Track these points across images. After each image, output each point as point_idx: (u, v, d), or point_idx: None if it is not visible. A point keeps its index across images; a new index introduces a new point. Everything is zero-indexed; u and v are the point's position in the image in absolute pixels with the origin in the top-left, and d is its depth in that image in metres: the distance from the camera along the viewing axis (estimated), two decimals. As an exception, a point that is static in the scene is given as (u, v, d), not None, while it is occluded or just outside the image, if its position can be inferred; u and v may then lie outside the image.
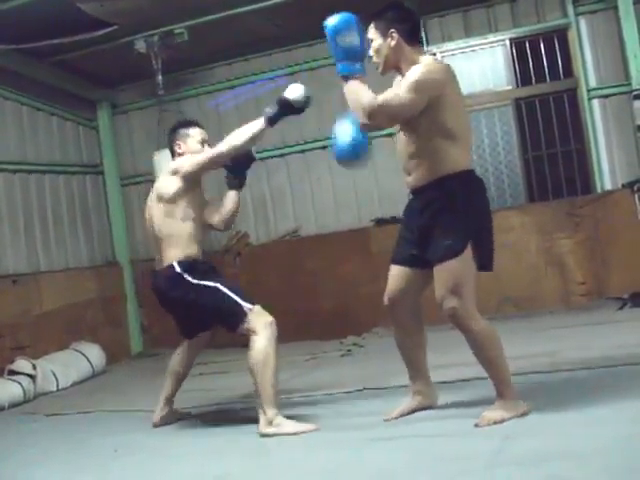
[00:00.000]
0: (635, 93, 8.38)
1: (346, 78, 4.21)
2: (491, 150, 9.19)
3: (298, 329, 9.11)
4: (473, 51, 9.24)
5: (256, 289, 9.50)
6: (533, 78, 9.01)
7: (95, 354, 8.49)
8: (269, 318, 4.91)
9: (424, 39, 9.13)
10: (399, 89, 4.16)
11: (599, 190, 8.72)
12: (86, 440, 5.27)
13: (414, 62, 4.26)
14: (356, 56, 4.16)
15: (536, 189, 9.04)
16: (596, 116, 8.77)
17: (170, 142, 5.34)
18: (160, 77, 9.20)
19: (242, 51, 9.75)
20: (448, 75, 4.27)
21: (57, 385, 7.70)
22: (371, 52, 4.39)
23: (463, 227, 4.21)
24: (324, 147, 9.55)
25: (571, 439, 3.63)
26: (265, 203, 9.95)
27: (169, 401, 5.45)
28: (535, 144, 9.04)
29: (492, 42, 9.13)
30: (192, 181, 5.13)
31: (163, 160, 8.99)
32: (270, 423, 4.62)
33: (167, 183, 5.12)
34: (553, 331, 7.03)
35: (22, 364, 7.56)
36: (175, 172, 5.10)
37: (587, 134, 8.76)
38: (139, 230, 10.30)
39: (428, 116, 4.20)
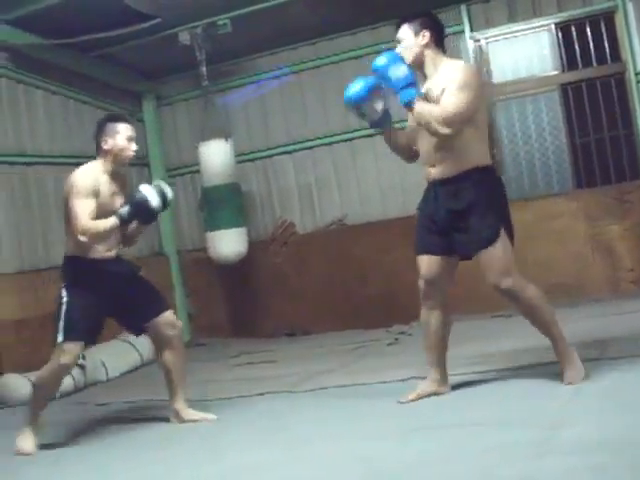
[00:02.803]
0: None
1: (410, 103, 4.54)
2: (537, 136, 9.11)
3: (344, 318, 9.13)
4: (517, 37, 9.15)
5: (302, 278, 9.58)
6: (580, 63, 8.91)
7: (143, 344, 8.54)
8: (63, 360, 4.95)
9: (468, 26, 9.09)
10: (456, 91, 4.47)
11: (648, 175, 8.63)
12: (136, 428, 5.35)
13: (440, 63, 4.70)
14: (411, 83, 4.51)
15: (584, 175, 8.94)
16: (644, 99, 8.66)
17: (96, 136, 5.23)
18: (204, 68, 9.23)
19: (286, 41, 9.73)
20: (479, 75, 4.80)
21: (107, 375, 7.77)
22: (399, 49, 4.74)
23: (495, 214, 4.59)
24: (370, 135, 9.51)
25: (616, 429, 3.59)
26: (311, 192, 9.95)
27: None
28: (582, 129, 8.94)
29: (537, 27, 9.03)
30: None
31: (209, 151, 9.05)
32: None
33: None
34: (602, 319, 6.96)
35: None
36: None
37: (635, 119, 8.65)
38: (185, 221, 10.37)
39: None
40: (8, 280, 7.90)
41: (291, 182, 9.99)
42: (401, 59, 4.58)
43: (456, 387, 5.08)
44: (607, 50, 8.83)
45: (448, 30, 9.11)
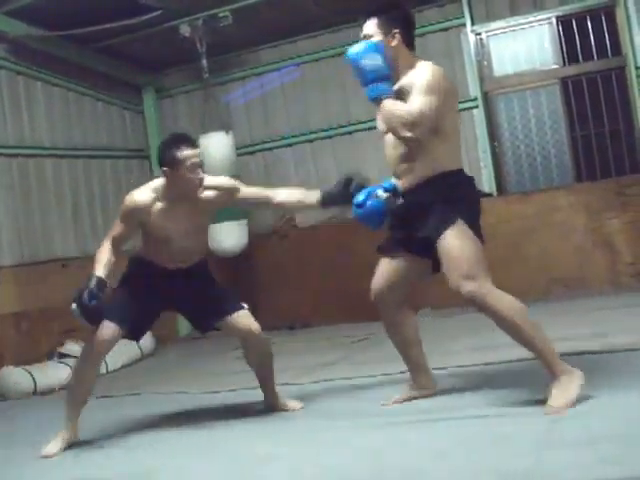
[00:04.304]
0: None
1: (377, 100, 4.25)
2: (538, 130, 9.11)
3: (345, 311, 9.11)
4: (518, 30, 9.14)
5: (302, 271, 9.57)
6: (580, 57, 8.90)
7: (145, 336, 8.55)
8: (92, 342, 4.75)
9: (470, 19, 9.08)
10: (421, 94, 4.16)
11: (648, 169, 8.63)
12: (135, 421, 5.33)
13: (411, 65, 4.35)
14: (383, 77, 4.21)
15: (584, 168, 8.93)
16: (645, 93, 8.66)
17: (159, 161, 4.78)
18: (205, 61, 9.22)
19: (287, 33, 9.71)
20: (447, 79, 4.34)
21: (107, 367, 7.76)
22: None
23: (456, 209, 4.25)
24: (370, 128, 9.52)
25: (620, 421, 3.60)
26: (311, 184, 9.90)
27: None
28: (583, 123, 8.93)
29: (538, 21, 9.02)
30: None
31: (209, 143, 9.04)
32: None
33: None
34: (602, 312, 6.96)
35: (72, 347, 7.64)
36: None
37: (635, 113, 8.64)
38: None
39: None
40: (7, 272, 7.90)
41: (291, 174, 9.98)
42: (379, 50, 4.22)
43: (454, 380, 5.09)
44: (608, 44, 8.82)
45: (449, 23, 9.20)
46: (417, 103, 4.13)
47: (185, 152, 4.61)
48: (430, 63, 4.34)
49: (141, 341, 8.20)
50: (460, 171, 4.43)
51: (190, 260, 4.90)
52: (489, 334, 5.05)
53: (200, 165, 4.69)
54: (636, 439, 3.31)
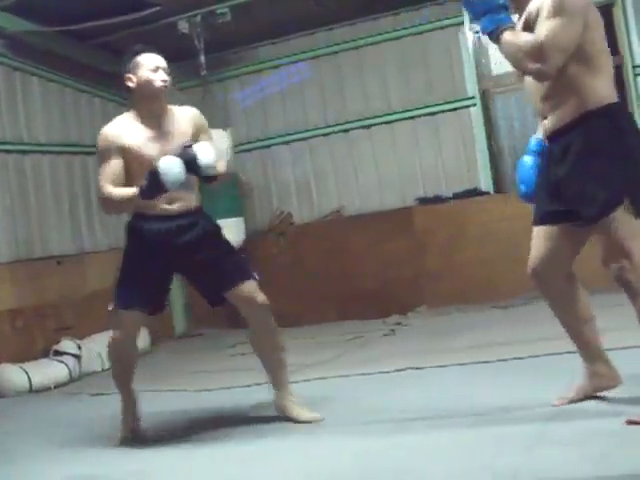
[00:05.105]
0: (682, 70, 8.26)
1: (494, 35, 3.66)
2: (535, 128, 9.05)
3: (341, 308, 9.12)
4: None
5: (299, 269, 9.56)
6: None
7: (139, 334, 8.52)
8: (115, 334, 4.60)
9: (468, 17, 9.04)
10: (548, 19, 3.54)
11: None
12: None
13: None
14: (499, 6, 3.64)
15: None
16: (641, 92, 8.66)
17: (123, 79, 4.57)
18: (203, 57, 9.19)
19: (285, 30, 9.70)
20: None
21: (102, 365, 7.74)
22: None
23: (617, 172, 3.58)
24: (367, 126, 9.54)
25: (607, 420, 3.59)
26: (308, 183, 9.93)
27: None
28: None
29: (537, 19, 9.00)
30: None
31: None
32: None
33: None
34: (598, 310, 6.93)
35: (67, 344, 7.63)
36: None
37: (632, 111, 8.63)
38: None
39: None
40: (3, 269, 7.87)
41: (288, 172, 9.97)
42: None
43: (450, 377, 5.09)
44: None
45: (447, 22, 9.19)
46: (544, 29, 3.53)
47: (148, 55, 4.53)
48: None
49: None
50: (617, 105, 3.78)
51: (186, 198, 4.51)
52: (482, 333, 5.07)
53: (164, 69, 4.53)
54: (623, 438, 3.31)
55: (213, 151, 4.34)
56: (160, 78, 4.48)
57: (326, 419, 4.47)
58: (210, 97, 9.36)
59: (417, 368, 5.56)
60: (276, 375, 4.60)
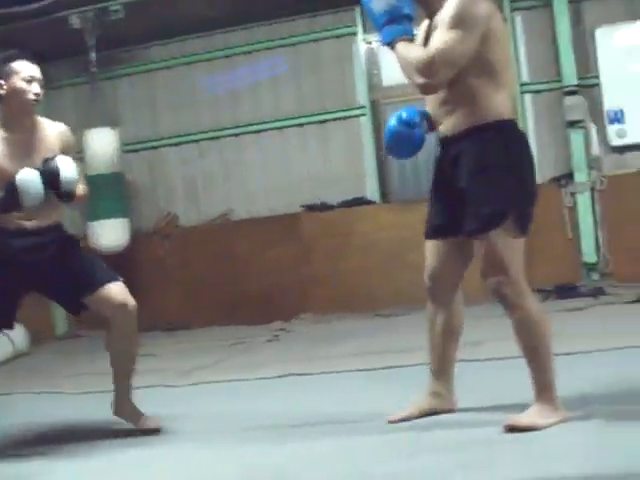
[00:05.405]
0: (566, 90, 8.49)
1: (391, 44, 3.65)
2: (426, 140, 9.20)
3: (227, 313, 9.10)
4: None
5: (184, 272, 9.49)
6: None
7: (17, 333, 8.32)
8: None
9: (361, 28, 9.14)
10: (444, 31, 3.54)
11: (528, 184, 8.83)
12: (6, 422, 5.18)
13: None
14: (398, 17, 3.59)
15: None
16: (527, 111, 8.86)
17: None
18: (94, 54, 9.07)
19: (179, 31, 9.63)
20: (491, 5, 3.67)
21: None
22: None
23: (504, 189, 3.61)
24: (258, 131, 9.56)
25: (488, 427, 3.67)
26: (196, 185, 9.88)
27: None
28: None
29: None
30: None
31: (94, 139, 8.91)
32: None
33: None
34: (475, 321, 7.06)
35: None
36: None
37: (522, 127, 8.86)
38: (66, 209, 10.15)
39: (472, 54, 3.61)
40: None
41: (176, 175, 9.91)
42: None
43: (329, 384, 5.13)
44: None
45: (341, 31, 9.27)
46: (436, 42, 3.54)
47: (24, 64, 4.29)
48: None
49: (14, 339, 8.09)
50: (512, 122, 3.81)
51: (45, 214, 4.30)
52: (367, 340, 5.12)
53: (39, 81, 4.33)
54: (501, 445, 3.39)
55: (75, 167, 4.19)
56: (34, 91, 4.29)
57: (205, 424, 4.46)
58: (99, 95, 9.25)
59: (297, 374, 5.59)
60: (124, 382, 4.46)
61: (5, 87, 4.25)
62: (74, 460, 4.07)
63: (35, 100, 4.30)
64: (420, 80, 3.56)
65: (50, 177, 4.07)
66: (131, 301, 4.33)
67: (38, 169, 4.08)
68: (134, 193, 9.81)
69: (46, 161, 4.14)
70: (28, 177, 4.02)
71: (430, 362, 4.06)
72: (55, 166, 4.10)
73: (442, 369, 4.03)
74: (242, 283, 9.27)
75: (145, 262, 9.55)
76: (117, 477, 3.79)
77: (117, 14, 8.66)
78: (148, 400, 4.61)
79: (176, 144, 9.87)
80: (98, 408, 5.22)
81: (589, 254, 8.46)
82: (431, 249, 3.96)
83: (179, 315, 9.17)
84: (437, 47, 3.52)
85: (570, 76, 8.47)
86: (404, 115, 3.90)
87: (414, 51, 3.61)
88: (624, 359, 4.81)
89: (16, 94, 4.25)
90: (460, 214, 3.70)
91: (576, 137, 8.50)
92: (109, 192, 8.87)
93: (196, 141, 9.81)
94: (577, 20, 8.61)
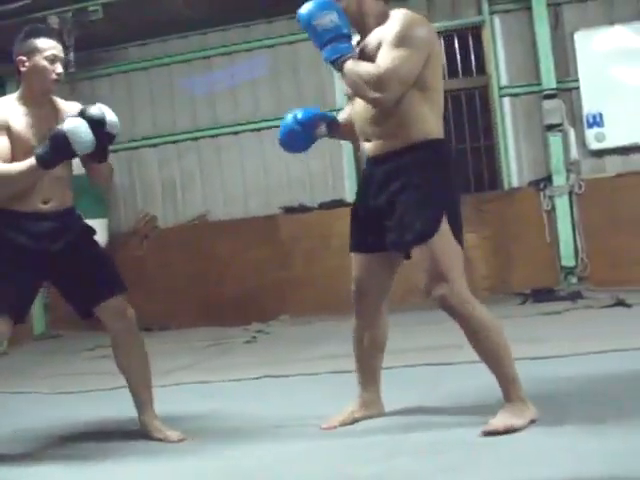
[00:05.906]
0: (545, 93, 8.54)
1: (337, 64, 3.68)
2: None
3: (202, 314, 9.10)
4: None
5: (162, 272, 9.48)
6: (446, 74, 9.09)
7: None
8: None
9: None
10: (391, 49, 3.58)
11: (506, 187, 8.87)
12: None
13: (383, 18, 3.74)
14: (342, 36, 3.66)
15: (445, 183, 9.10)
16: (506, 114, 8.90)
17: (15, 56, 4.11)
18: (72, 54, 9.04)
19: (158, 32, 9.63)
20: (433, 29, 3.79)
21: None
22: None
23: (436, 202, 3.67)
24: (236, 133, 9.56)
25: (462, 428, 3.68)
26: (174, 186, 9.88)
27: None
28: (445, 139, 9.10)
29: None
30: None
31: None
32: None
33: None
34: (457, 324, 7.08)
35: None
36: None
37: (496, 131, 8.90)
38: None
39: None
40: None
41: (155, 175, 9.90)
42: (334, 6, 3.65)
43: (307, 386, 5.13)
44: (473, 63, 9.05)
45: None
46: (386, 58, 3.57)
47: (48, 41, 4.11)
48: (404, 10, 3.71)
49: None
50: (443, 142, 3.87)
51: (61, 196, 4.18)
52: (345, 342, 5.08)
53: (61, 60, 4.16)
54: (482, 448, 3.40)
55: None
56: (57, 71, 4.11)
57: (183, 425, 4.42)
58: (78, 95, 9.21)
59: (275, 376, 5.58)
60: (143, 395, 4.30)
61: (27, 64, 4.08)
62: (51, 463, 4.04)
63: (57, 80, 4.13)
64: (374, 95, 3.60)
65: (95, 122, 3.92)
66: (130, 311, 4.26)
67: (79, 114, 3.94)
68: (112, 194, 9.78)
69: (83, 109, 3.98)
70: (76, 123, 3.87)
71: (358, 374, 4.15)
72: (99, 110, 3.96)
73: (371, 380, 4.13)
74: (221, 284, 9.26)
75: (124, 263, 9.42)
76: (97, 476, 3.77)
77: (96, 14, 8.66)
78: (127, 401, 4.58)
79: (154, 145, 9.87)
80: (74, 408, 5.23)
81: (567, 258, 8.51)
82: (357, 261, 4.06)
83: (158, 316, 9.15)
84: (386, 63, 3.56)
85: (549, 79, 8.53)
86: (299, 115, 4.10)
87: (364, 67, 3.62)
88: (601, 363, 4.84)
89: (38, 73, 4.08)
90: (389, 228, 3.77)
91: (555, 140, 8.55)
92: (87, 193, 8.82)
93: (174, 142, 9.80)
94: (556, 23, 8.67)
